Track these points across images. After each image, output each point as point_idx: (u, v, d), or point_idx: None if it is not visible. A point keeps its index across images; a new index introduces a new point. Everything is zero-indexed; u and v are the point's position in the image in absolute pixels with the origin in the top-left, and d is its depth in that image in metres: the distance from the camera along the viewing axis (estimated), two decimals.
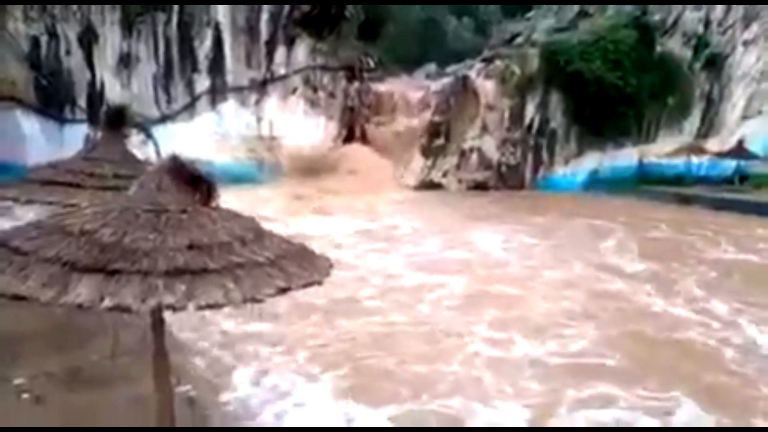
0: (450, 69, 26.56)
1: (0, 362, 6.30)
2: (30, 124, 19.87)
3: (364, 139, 23.96)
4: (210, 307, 3.03)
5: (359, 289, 10.72)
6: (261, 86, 22.69)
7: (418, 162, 23.76)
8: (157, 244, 3.21)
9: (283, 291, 3.31)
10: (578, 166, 25.98)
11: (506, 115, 24.63)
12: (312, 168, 21.60)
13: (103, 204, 3.64)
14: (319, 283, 3.61)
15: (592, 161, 26.14)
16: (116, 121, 6.61)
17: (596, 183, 25.77)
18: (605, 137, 25.75)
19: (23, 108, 19.82)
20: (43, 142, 19.47)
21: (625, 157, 26.54)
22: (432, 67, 28.26)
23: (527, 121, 24.93)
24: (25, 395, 5.75)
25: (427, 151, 23.86)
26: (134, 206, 3.45)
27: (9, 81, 19.54)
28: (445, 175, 24.12)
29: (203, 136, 21.25)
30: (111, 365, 6.07)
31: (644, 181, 25.84)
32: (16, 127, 19.80)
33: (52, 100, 20.27)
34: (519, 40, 26.40)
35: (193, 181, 3.72)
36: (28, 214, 6.13)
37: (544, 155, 25.48)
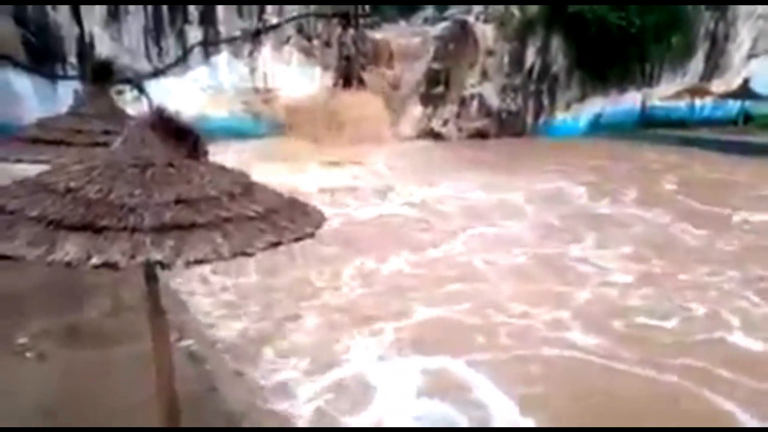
0: (448, 13, 25.84)
1: (3, 322, 6.35)
2: (22, 83, 19.52)
3: (361, 89, 23.54)
4: (199, 262, 2.98)
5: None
6: (254, 37, 22.14)
7: (417, 111, 23.42)
8: (144, 199, 3.14)
9: (274, 245, 3.25)
10: (580, 112, 25.61)
11: (506, 60, 24.12)
12: (309, 119, 21.31)
13: (88, 160, 3.55)
14: (311, 235, 3.55)
15: (594, 106, 25.75)
16: (102, 76, 6.44)
17: (599, 128, 25.46)
18: (608, 81, 25.27)
19: (14, 66, 19.43)
20: (37, 100, 19.14)
21: (628, 101, 26.13)
22: (429, 11, 27.50)
23: (527, 66, 24.42)
24: (29, 354, 5.81)
25: (426, 100, 23.49)
26: (119, 161, 3.36)
27: None
28: (445, 123, 23.82)
29: (197, 90, 20.89)
30: (112, 322, 6.11)
31: (648, 125, 25.51)
32: (8, 86, 19.46)
33: (42, 57, 19.83)
34: None
35: (179, 134, 3.61)
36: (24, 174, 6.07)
37: (545, 101, 25.08)
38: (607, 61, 24.09)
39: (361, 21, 23.93)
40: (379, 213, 13.05)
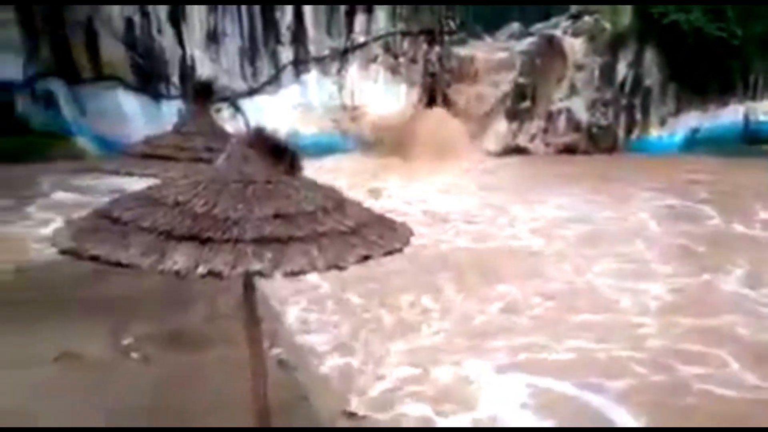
0: (535, 28, 25.48)
1: (112, 324, 6.85)
2: (130, 103, 21.06)
3: (447, 105, 23.59)
4: (296, 274, 3.12)
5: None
6: (342, 55, 22.74)
7: (502, 126, 23.17)
8: (246, 213, 3.33)
9: (365, 258, 3.36)
10: (676, 127, 24.36)
11: (596, 74, 23.39)
12: (395, 136, 21.56)
13: (194, 176, 3.80)
14: (400, 250, 3.63)
15: (691, 120, 24.42)
16: (204, 95, 6.86)
17: (696, 144, 24.09)
18: (706, 94, 23.92)
19: (123, 87, 21.00)
20: (143, 118, 20.58)
21: (729, 115, 24.59)
22: (516, 26, 27.20)
23: (619, 79, 23.59)
24: (134, 354, 6.23)
25: (513, 115, 23.18)
26: (223, 177, 3.58)
27: (109, 62, 20.75)
28: (531, 139, 23.39)
29: (289, 108, 21.68)
30: (209, 328, 6.44)
31: (753, 141, 23.91)
32: (118, 105, 21.06)
33: (148, 78, 21.32)
34: None
35: (277, 152, 3.80)
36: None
37: (638, 115, 24.08)
38: (705, 73, 22.83)
39: (447, 38, 24.04)
40: (497, 237, 12.10)
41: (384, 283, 8.88)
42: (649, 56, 23.39)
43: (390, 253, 3.52)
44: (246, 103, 21.19)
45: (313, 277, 7.89)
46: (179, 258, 3.10)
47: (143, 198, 3.57)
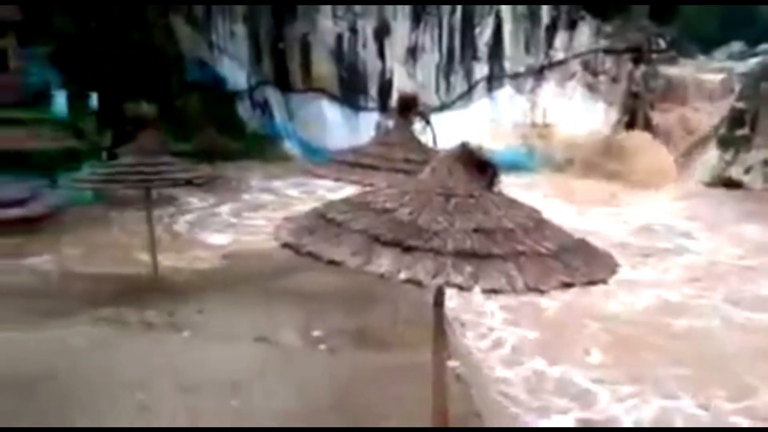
0: (761, 48, 22.71)
1: (304, 315, 7.43)
2: (332, 113, 22.80)
3: (648, 128, 21.95)
4: (494, 291, 3.12)
5: None
6: (538, 72, 22.35)
7: (712, 155, 20.92)
8: (447, 225, 3.40)
9: (566, 285, 3.24)
10: None
11: None
12: (587, 157, 20.57)
13: (401, 185, 3.99)
14: (604, 281, 3.45)
15: None
16: (407, 109, 7.15)
17: None
18: None
19: (328, 98, 22.81)
20: (342, 128, 22.17)
21: None
22: (737, 46, 24.49)
23: None
24: (322, 346, 6.69)
25: (727, 143, 20.83)
26: (428, 189, 3.71)
27: (319, 74, 22.70)
28: (747, 171, 20.80)
29: (477, 123, 21.80)
30: (391, 331, 6.68)
31: None
32: (321, 115, 22.92)
33: (349, 90, 22.90)
34: None
35: (480, 168, 3.84)
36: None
37: None
38: None
39: (655, 56, 22.42)
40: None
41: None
42: None
43: (593, 283, 3.36)
44: (434, 117, 21.73)
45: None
46: (384, 262, 3.26)
47: (355, 203, 3.82)
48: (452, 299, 8.19)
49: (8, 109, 13.92)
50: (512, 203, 3.82)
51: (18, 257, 9.79)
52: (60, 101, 16.01)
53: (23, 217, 4.12)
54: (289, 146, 23.33)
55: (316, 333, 7.01)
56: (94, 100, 17.74)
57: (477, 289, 3.11)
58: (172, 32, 22.85)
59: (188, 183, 8.52)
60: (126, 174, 7.74)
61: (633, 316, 8.78)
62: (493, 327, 8.21)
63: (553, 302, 8.32)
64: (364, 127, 20.48)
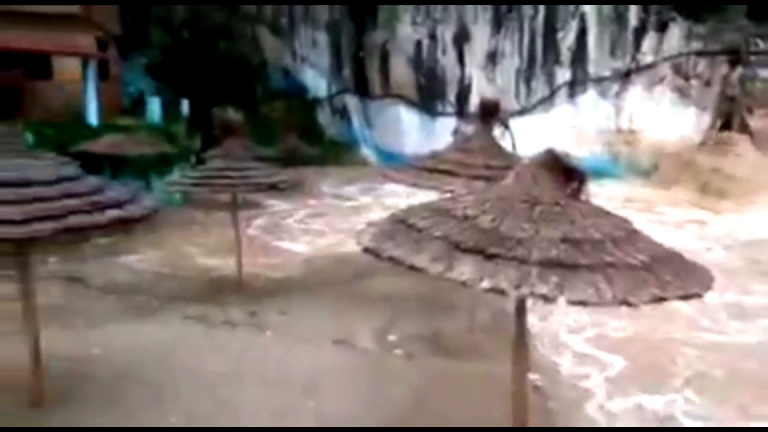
0: None
1: (380, 320, 7.47)
2: (410, 118, 22.92)
3: (744, 133, 20.61)
4: (580, 303, 3.00)
5: None
6: (624, 76, 21.52)
7: None
8: (532, 234, 3.32)
9: (659, 300, 3.08)
10: None
11: None
12: (680, 165, 19.52)
13: (482, 192, 3.94)
14: (699, 296, 3.26)
15: None
16: (488, 115, 7.06)
17: None
18: None
19: (406, 104, 22.95)
20: (419, 134, 22.24)
21: None
22: None
23: None
24: (398, 351, 6.69)
25: None
26: (510, 196, 3.63)
27: (397, 80, 22.88)
28: None
29: (559, 129, 21.25)
30: (467, 339, 6.60)
31: None
32: (398, 120, 23.09)
33: (427, 96, 22.93)
34: None
35: (567, 175, 3.73)
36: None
37: None
38: None
39: (753, 58, 21.05)
40: None
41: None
42: None
43: (687, 297, 3.18)
44: (516, 123, 21.36)
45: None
46: (466, 269, 3.21)
47: (435, 209, 3.80)
48: (532, 311, 7.99)
49: (110, 115, 14.95)
50: (601, 212, 3.68)
51: (114, 255, 10.50)
52: (154, 108, 17.01)
53: (121, 219, 4.39)
54: (366, 152, 23.67)
55: (391, 338, 7.03)
56: (185, 106, 18.74)
57: (562, 301, 3.00)
58: (257, 42, 23.78)
59: (272, 187, 8.78)
60: (214, 178, 8.08)
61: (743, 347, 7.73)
62: (574, 343, 7.91)
63: (644, 320, 7.83)
64: (442, 133, 20.43)
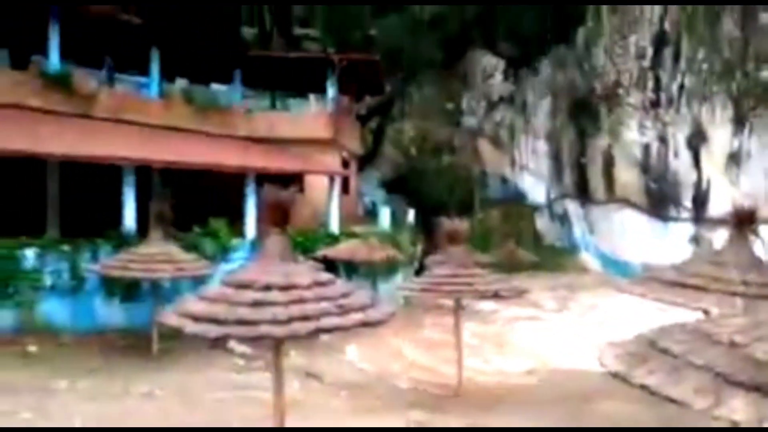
0: None
1: None
2: (637, 224, 21.49)
3: None
4: None
5: None
6: None
7: None
8: None
9: None
10: None
11: None
12: None
13: (749, 314, 3.47)
14: None
15: None
16: (744, 223, 6.30)
17: None
18: None
19: (632, 209, 21.67)
20: (647, 240, 20.65)
21: None
22: None
23: None
24: None
25: None
26: None
27: (623, 185, 21.87)
28: None
29: None
30: None
31: None
32: (624, 226, 21.79)
33: (657, 201, 21.41)
34: None
35: None
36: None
37: None
38: None
39: None
40: None
41: None
42: None
43: None
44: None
45: None
46: (738, 406, 2.81)
47: (693, 331, 3.43)
48: None
49: (347, 223, 16.53)
50: None
51: (339, 352, 11.16)
52: (384, 216, 18.41)
53: (363, 322, 4.73)
54: (587, 258, 22.61)
55: None
56: (410, 215, 20.02)
57: None
58: (477, 153, 24.84)
59: (495, 295, 8.75)
60: (440, 285, 8.33)
61: None
62: None
63: None
64: (675, 240, 18.75)
